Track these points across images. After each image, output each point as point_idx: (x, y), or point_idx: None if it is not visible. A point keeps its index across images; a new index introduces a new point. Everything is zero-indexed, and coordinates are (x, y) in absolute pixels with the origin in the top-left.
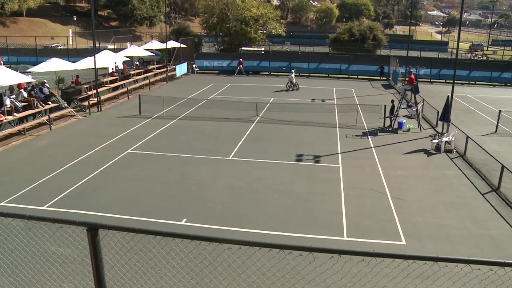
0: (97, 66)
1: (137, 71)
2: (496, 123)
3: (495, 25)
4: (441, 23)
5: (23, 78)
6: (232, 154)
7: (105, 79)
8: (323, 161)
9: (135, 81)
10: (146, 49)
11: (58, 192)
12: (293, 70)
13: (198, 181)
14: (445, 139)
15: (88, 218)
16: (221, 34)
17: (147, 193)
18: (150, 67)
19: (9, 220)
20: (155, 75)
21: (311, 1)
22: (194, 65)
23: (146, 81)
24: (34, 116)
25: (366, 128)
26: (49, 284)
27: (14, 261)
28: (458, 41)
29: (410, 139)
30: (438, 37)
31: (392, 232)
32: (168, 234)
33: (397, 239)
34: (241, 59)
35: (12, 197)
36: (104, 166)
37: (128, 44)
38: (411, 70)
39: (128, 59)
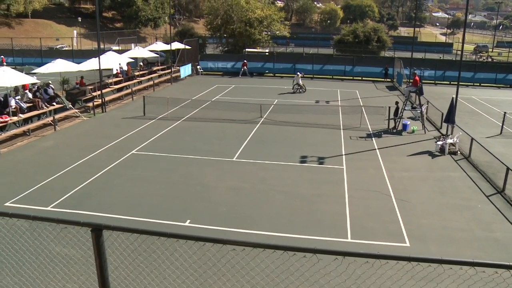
0: (101, 67)
1: (141, 72)
2: (501, 125)
3: (500, 27)
4: (442, 25)
5: (28, 79)
6: (236, 155)
7: (110, 80)
8: (327, 162)
9: (140, 82)
10: (150, 51)
11: (62, 193)
12: (298, 73)
13: (202, 182)
14: (449, 141)
15: (92, 219)
16: (225, 35)
17: (151, 194)
18: (155, 68)
19: (14, 220)
20: (160, 76)
21: (315, 3)
22: (198, 67)
23: (151, 82)
24: (39, 117)
25: (370, 130)
26: (53, 285)
27: (19, 261)
28: (463, 42)
29: (415, 141)
30: (442, 38)
31: (396, 234)
32: (172, 235)
33: (401, 241)
34: (245, 61)
35: (17, 198)
36: (109, 167)
37: (132, 45)
38: (415, 71)
39: (133, 60)
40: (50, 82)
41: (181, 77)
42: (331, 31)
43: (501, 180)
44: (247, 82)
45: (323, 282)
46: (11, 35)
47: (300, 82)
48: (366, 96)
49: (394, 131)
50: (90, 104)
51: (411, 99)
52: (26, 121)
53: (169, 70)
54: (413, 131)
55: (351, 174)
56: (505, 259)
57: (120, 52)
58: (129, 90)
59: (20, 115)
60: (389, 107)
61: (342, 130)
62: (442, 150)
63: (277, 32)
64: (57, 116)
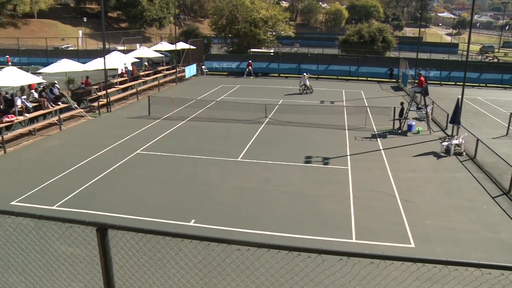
0: (107, 67)
1: (146, 72)
2: (507, 126)
3: (507, 27)
4: (447, 25)
5: (34, 79)
6: (241, 155)
7: (115, 80)
8: (332, 163)
9: (145, 82)
10: (155, 51)
11: (67, 192)
12: (305, 73)
13: (207, 182)
14: (455, 141)
15: (97, 218)
16: (230, 35)
17: (156, 194)
18: (160, 68)
19: (20, 219)
20: (165, 76)
21: (320, 3)
22: (203, 67)
23: (156, 82)
24: (44, 116)
25: (375, 130)
26: (58, 283)
27: (25, 260)
28: (469, 43)
29: (420, 142)
30: (448, 39)
31: (401, 235)
32: (177, 235)
33: (406, 242)
34: (250, 61)
35: (23, 197)
36: (114, 167)
37: (137, 45)
38: (420, 72)
39: (138, 60)
40: (55, 82)
41: (186, 77)
42: (336, 31)
43: (507, 181)
44: (252, 82)
45: (328, 283)
46: (18, 35)
47: (307, 82)
48: (371, 96)
49: (399, 131)
50: (95, 104)
51: (416, 99)
52: (32, 120)
53: (174, 70)
54: (418, 132)
55: (356, 175)
56: (511, 261)
57: (125, 52)
58: (134, 90)
59: (26, 114)
60: (394, 108)
61: (347, 131)
62: (447, 151)
63: (282, 32)
64: (62, 116)
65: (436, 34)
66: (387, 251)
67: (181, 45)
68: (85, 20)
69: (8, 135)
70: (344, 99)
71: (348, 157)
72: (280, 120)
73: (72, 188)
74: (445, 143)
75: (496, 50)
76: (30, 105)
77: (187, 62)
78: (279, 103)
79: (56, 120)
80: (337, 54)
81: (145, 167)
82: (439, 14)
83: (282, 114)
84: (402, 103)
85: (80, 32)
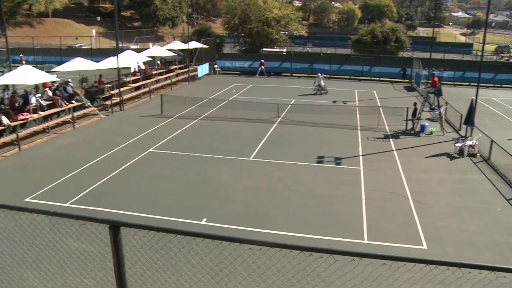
0: (119, 66)
1: (159, 71)
2: None
3: None
4: (461, 25)
5: (48, 77)
6: (253, 154)
7: (128, 79)
8: (344, 163)
9: (157, 81)
10: (168, 50)
11: (80, 190)
12: (320, 74)
13: (219, 181)
14: (468, 143)
15: (109, 216)
16: (242, 35)
17: (168, 192)
18: (172, 67)
19: (34, 215)
20: (177, 75)
21: (333, 3)
22: (215, 66)
23: (168, 81)
24: (58, 114)
25: (388, 131)
26: (71, 280)
27: (39, 256)
28: (484, 43)
29: (433, 143)
30: (462, 39)
31: (413, 236)
32: (189, 234)
33: (418, 244)
34: (262, 60)
35: (36, 194)
36: (126, 165)
37: (150, 44)
38: (434, 72)
39: (151, 59)
40: (69, 80)
41: (199, 76)
42: (349, 31)
43: None
44: (264, 81)
45: (340, 283)
46: (33, 34)
47: (322, 83)
48: (384, 96)
49: (412, 132)
50: (108, 102)
51: (429, 100)
52: (45, 118)
53: (187, 69)
54: (431, 133)
55: (368, 175)
56: None
57: (138, 51)
58: (146, 89)
59: (40, 112)
60: (407, 108)
61: (359, 131)
62: (461, 152)
63: (295, 32)
64: (76, 114)
65: (450, 34)
66: (399, 252)
67: (194, 44)
68: (99, 19)
69: (23, 132)
70: (356, 99)
71: (361, 157)
72: (293, 119)
73: (85, 185)
74: (458, 144)
75: None
76: (44, 103)
77: (199, 61)
78: (292, 103)
79: (70, 118)
80: (350, 54)
81: (157, 166)
82: (453, 13)
83: (294, 114)
84: (415, 104)
85: (94, 31)
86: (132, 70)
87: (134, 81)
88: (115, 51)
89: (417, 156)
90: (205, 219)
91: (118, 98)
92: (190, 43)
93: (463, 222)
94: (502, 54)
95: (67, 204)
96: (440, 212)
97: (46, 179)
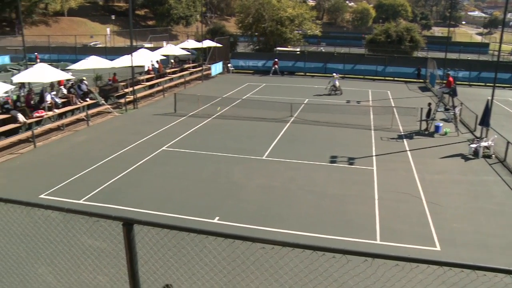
0: (133, 65)
1: (172, 69)
2: None
3: None
4: (477, 24)
5: (63, 75)
6: (266, 153)
7: (142, 77)
8: (357, 163)
9: (171, 80)
10: (182, 48)
11: (94, 187)
12: (335, 74)
13: (232, 180)
14: (483, 143)
15: (123, 213)
16: (256, 34)
17: (180, 190)
18: (186, 66)
19: (48, 212)
20: (191, 74)
21: (347, 2)
22: (229, 65)
23: (182, 80)
24: (72, 112)
25: (402, 131)
26: (85, 276)
27: (53, 252)
28: (501, 42)
29: (447, 143)
30: (478, 38)
31: (426, 238)
32: (202, 232)
33: (431, 245)
34: (276, 59)
35: (51, 190)
36: (139, 163)
37: (164, 43)
38: (449, 72)
39: (164, 57)
40: (84, 78)
41: (212, 75)
42: (363, 31)
43: None
44: (277, 80)
45: (352, 284)
46: (48, 33)
47: (337, 83)
48: (398, 96)
49: (426, 132)
50: (122, 100)
51: (444, 100)
52: (60, 116)
53: (200, 68)
54: (445, 133)
55: (381, 175)
56: None
57: (152, 49)
58: (160, 87)
59: (55, 110)
60: (421, 108)
61: (372, 131)
62: (476, 153)
63: (309, 31)
64: (90, 112)
65: (466, 33)
66: (412, 253)
67: (208, 43)
68: (113, 18)
69: (38, 130)
70: (370, 99)
71: (374, 157)
72: (306, 119)
73: (98, 183)
74: (473, 145)
75: None
76: (59, 101)
77: (213, 60)
78: (305, 102)
79: (84, 116)
80: (364, 53)
81: (170, 164)
82: (469, 13)
83: (307, 113)
84: (429, 104)
85: (108, 29)
86: (146, 69)
87: (148, 80)
88: (129, 50)
89: (431, 157)
90: (217, 218)
91: (132, 96)
92: (203, 42)
93: (478, 224)
94: None
95: (81, 201)
96: (454, 213)
97: (61, 176)
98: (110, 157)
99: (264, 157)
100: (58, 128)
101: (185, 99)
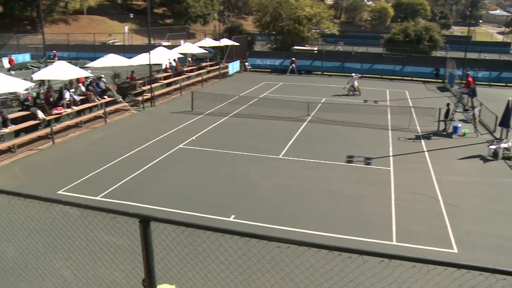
0: (151, 63)
1: (190, 68)
2: None
3: None
4: (499, 24)
5: (81, 73)
6: (283, 153)
7: (159, 75)
8: (374, 163)
9: (188, 78)
10: (199, 47)
11: (111, 184)
12: (354, 74)
13: (248, 179)
14: (503, 145)
15: (139, 210)
16: (274, 32)
17: (197, 188)
18: (203, 64)
19: (67, 208)
20: (208, 72)
21: (365, 1)
22: (246, 63)
23: (199, 78)
24: (90, 109)
25: (419, 132)
26: (101, 271)
27: (71, 247)
28: None
29: (465, 144)
30: (499, 38)
31: (443, 240)
32: (218, 230)
33: (448, 247)
34: (293, 58)
35: (69, 186)
36: (156, 160)
37: (182, 41)
38: (468, 72)
39: (182, 56)
40: (102, 76)
41: (229, 73)
42: (381, 30)
43: None
44: (295, 80)
45: (368, 284)
46: (68, 31)
47: (356, 84)
48: (416, 96)
49: (444, 133)
50: (140, 98)
51: (463, 100)
52: (78, 113)
53: (218, 66)
54: (464, 134)
55: (398, 176)
56: None
57: (169, 47)
58: (177, 85)
59: (74, 107)
60: (440, 109)
61: (390, 131)
62: (495, 155)
63: (326, 30)
64: (108, 109)
65: (487, 32)
66: (429, 255)
67: (225, 42)
68: (132, 16)
69: (57, 126)
70: (388, 99)
71: (391, 157)
72: (323, 118)
73: (115, 179)
74: (493, 147)
75: None
76: (77, 98)
77: (230, 58)
78: (322, 102)
79: (102, 113)
80: (382, 53)
81: (186, 162)
82: (490, 12)
83: (324, 113)
84: (448, 104)
85: (126, 28)
86: (163, 67)
87: (165, 78)
88: (147, 48)
89: (449, 158)
90: (233, 216)
91: (149, 94)
92: (221, 40)
93: (497, 227)
94: None
95: (98, 198)
96: (472, 215)
97: (78, 172)
98: (127, 155)
99: (280, 156)
100: (76, 125)
101: (202, 97)
